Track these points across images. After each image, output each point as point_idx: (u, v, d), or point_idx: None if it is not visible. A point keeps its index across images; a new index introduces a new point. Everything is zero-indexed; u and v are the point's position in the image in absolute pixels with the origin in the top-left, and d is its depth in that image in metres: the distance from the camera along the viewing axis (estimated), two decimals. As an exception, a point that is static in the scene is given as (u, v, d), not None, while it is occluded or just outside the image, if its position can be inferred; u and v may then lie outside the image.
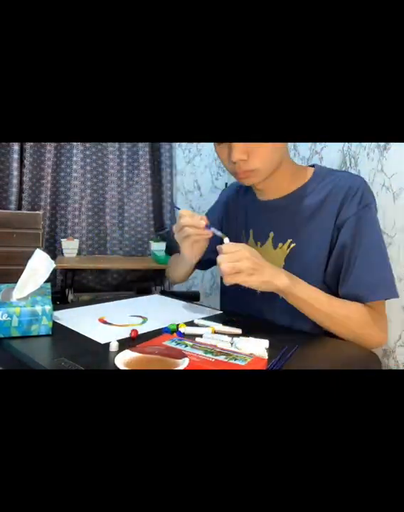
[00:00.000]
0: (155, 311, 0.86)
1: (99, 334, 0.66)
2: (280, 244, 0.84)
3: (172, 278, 1.12)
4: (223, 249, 0.69)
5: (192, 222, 0.77)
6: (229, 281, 0.67)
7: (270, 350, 0.63)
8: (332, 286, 0.80)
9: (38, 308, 0.65)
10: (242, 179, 0.80)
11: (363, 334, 0.74)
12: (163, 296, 1.02)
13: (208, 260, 0.96)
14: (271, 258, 0.81)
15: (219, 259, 0.68)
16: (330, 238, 0.78)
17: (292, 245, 0.82)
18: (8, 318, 0.63)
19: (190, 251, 0.83)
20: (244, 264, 0.67)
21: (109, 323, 0.74)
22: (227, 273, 0.67)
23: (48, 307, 0.66)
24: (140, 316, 0.79)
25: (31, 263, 0.71)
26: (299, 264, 0.80)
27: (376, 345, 0.77)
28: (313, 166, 0.87)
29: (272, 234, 0.86)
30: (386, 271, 0.76)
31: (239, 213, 0.95)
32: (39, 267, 0.71)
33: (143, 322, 0.75)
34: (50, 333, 0.66)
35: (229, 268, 0.67)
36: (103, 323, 0.74)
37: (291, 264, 0.81)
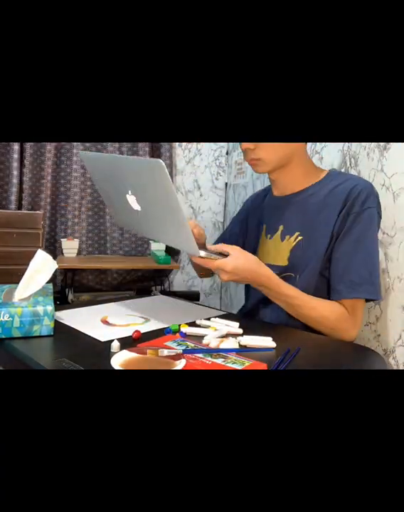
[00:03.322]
0: (157, 311, 0.85)
1: (102, 334, 0.66)
2: (287, 237, 0.88)
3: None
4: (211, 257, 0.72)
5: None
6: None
7: (271, 351, 0.63)
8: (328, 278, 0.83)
9: (40, 309, 0.64)
10: (251, 166, 0.87)
11: (335, 331, 0.79)
12: (166, 297, 1.02)
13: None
14: (277, 249, 0.88)
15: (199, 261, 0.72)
16: (331, 233, 0.81)
17: (299, 238, 0.86)
18: (10, 319, 0.63)
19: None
20: (226, 277, 0.73)
21: (112, 324, 0.74)
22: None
23: (50, 308, 0.65)
24: (142, 317, 0.79)
25: (33, 264, 0.71)
26: (302, 255, 0.84)
27: (347, 340, 0.81)
28: (330, 170, 0.92)
29: (281, 227, 0.90)
30: (372, 272, 0.78)
31: (257, 212, 1.01)
32: (41, 267, 0.71)
33: (145, 322, 0.75)
34: (52, 333, 0.66)
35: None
36: (105, 323, 0.74)
37: (294, 255, 0.85)
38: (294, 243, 0.86)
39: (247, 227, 1.05)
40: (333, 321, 0.78)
